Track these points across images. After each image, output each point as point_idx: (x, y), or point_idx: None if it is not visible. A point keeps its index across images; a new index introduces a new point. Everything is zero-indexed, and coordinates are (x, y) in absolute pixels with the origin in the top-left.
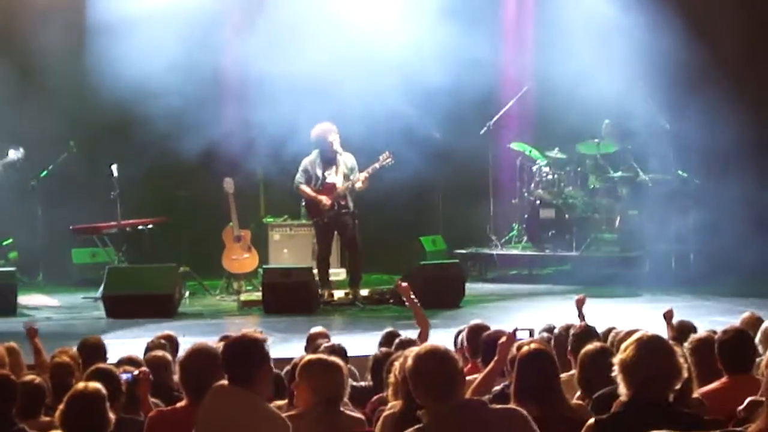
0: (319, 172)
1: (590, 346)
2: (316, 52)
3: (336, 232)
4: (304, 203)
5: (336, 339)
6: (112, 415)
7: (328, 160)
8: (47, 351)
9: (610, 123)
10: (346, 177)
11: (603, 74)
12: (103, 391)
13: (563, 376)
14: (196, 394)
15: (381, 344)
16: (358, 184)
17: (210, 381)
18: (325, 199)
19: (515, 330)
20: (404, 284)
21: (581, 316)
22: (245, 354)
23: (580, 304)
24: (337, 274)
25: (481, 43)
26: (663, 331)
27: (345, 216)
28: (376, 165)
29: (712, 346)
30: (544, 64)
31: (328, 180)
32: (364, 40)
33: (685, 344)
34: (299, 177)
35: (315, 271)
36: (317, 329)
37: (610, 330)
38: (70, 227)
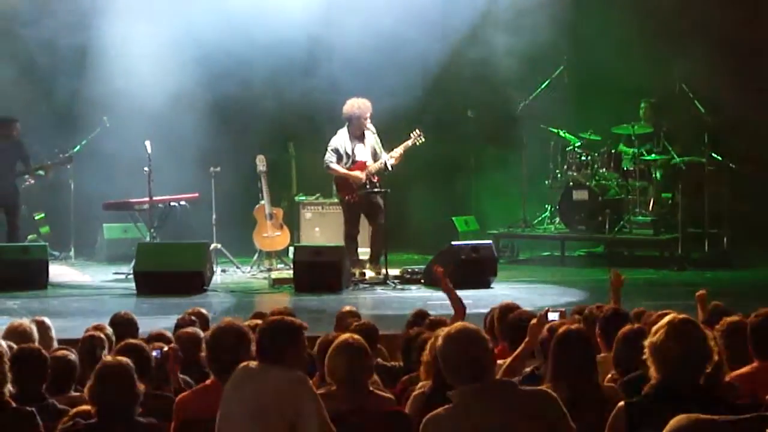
0: (349, 150)
1: (628, 327)
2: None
3: (363, 212)
4: (335, 182)
5: (366, 318)
6: (141, 389)
7: (357, 137)
8: (79, 327)
9: (648, 104)
10: (375, 156)
11: (640, 54)
12: (132, 365)
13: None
14: (222, 372)
15: (410, 324)
16: (391, 161)
17: (236, 359)
18: (359, 173)
19: (547, 311)
20: (439, 270)
21: (617, 298)
22: (280, 336)
23: (616, 285)
24: (366, 253)
25: (514, 22)
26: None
27: (375, 194)
28: (408, 143)
29: (745, 330)
30: (579, 43)
31: (358, 158)
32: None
33: (717, 327)
34: (329, 156)
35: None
36: (347, 308)
37: (641, 312)
38: (102, 203)
